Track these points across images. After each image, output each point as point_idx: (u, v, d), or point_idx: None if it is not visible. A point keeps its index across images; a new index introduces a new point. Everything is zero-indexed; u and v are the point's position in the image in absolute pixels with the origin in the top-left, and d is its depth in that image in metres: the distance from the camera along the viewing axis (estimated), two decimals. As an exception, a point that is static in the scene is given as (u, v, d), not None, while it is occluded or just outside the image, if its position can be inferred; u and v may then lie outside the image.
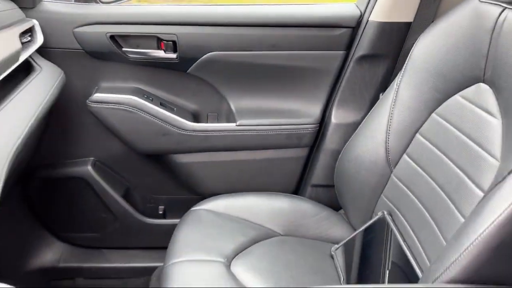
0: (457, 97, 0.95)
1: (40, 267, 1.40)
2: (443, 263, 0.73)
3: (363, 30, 1.23)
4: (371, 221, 1.10)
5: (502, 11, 0.83)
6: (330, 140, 1.34)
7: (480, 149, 0.83)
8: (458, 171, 0.87)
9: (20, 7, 1.16)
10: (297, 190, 1.44)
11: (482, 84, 0.88)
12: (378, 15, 1.20)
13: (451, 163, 0.90)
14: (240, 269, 1.01)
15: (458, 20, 0.95)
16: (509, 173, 0.71)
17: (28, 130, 0.91)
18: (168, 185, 1.45)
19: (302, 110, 1.35)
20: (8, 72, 0.96)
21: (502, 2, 0.84)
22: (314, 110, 1.34)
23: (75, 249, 1.46)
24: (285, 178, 1.41)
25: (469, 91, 0.92)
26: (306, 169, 1.41)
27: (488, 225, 0.67)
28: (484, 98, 0.87)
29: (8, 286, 0.68)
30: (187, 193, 1.43)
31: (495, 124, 0.82)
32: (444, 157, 0.93)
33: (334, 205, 1.30)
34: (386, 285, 0.91)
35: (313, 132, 1.35)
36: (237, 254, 1.06)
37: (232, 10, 1.25)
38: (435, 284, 0.72)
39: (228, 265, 1.01)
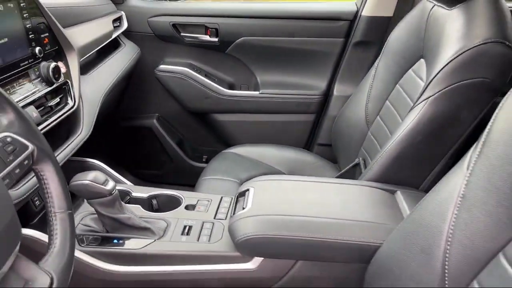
0: (409, 71, 1.29)
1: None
2: (368, 168, 1.10)
3: (357, 22, 1.61)
4: (349, 166, 1.45)
5: (433, 7, 1.18)
6: (332, 108, 1.72)
7: (411, 102, 1.17)
8: (399, 119, 1.22)
9: (113, 2, 1.69)
10: (306, 147, 1.82)
11: (421, 59, 1.23)
12: (367, 10, 1.57)
13: (397, 116, 1.24)
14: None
15: (413, 14, 1.30)
16: (413, 105, 1.05)
17: (113, 83, 1.41)
18: (209, 138, 1.92)
19: (311, 84, 1.74)
20: (103, 45, 1.48)
21: (433, 0, 1.18)
22: (320, 84, 1.74)
23: (141, 182, 1.97)
24: (296, 137, 1.81)
25: (415, 65, 1.26)
26: (313, 130, 1.80)
27: (391, 142, 1.04)
28: (422, 69, 1.21)
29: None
30: (222, 146, 1.88)
31: (422, 85, 1.16)
32: (396, 112, 1.27)
33: (334, 161, 1.67)
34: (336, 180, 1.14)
35: (319, 101, 1.74)
36: (248, 180, 1.48)
37: (259, 6, 1.69)
38: (358, 181, 1.09)
39: (239, 184, 1.44)
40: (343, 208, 0.93)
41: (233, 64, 1.79)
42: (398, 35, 1.36)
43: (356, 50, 1.64)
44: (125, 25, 1.69)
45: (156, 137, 1.88)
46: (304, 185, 1.03)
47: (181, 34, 1.72)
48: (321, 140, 1.77)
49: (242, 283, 0.93)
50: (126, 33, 1.71)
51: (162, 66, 1.75)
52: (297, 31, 1.67)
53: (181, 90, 1.77)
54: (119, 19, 1.67)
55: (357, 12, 1.62)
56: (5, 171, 0.61)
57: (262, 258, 0.91)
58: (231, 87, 1.82)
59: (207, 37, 1.71)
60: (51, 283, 0.62)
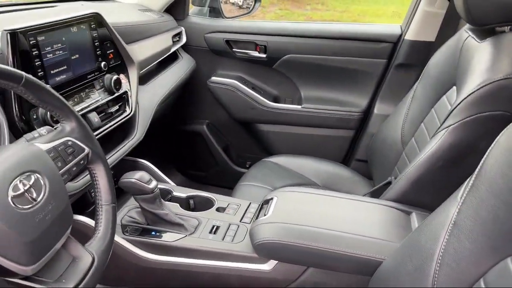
0: (444, 97, 1.33)
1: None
2: (389, 187, 1.16)
3: (400, 45, 1.65)
4: (381, 183, 1.51)
5: (467, 37, 1.21)
6: (372, 126, 1.77)
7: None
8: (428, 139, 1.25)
9: (175, 19, 1.87)
10: (343, 162, 1.89)
11: (454, 87, 1.26)
12: (411, 34, 1.61)
13: (429, 140, 1.28)
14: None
15: (450, 42, 1.33)
16: (437, 130, 1.09)
17: (168, 93, 1.58)
18: (253, 146, 2.05)
19: (352, 101, 1.81)
20: (163, 58, 1.66)
21: (468, 30, 1.22)
22: (361, 102, 1.80)
23: (188, 181, 2.15)
24: (335, 151, 1.88)
25: (449, 92, 1.30)
26: (352, 146, 1.87)
27: (413, 165, 1.09)
28: (453, 96, 1.25)
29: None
30: (264, 154, 2.00)
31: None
32: (428, 136, 1.31)
33: (370, 177, 1.72)
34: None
35: (359, 118, 1.80)
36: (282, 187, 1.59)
37: (305, 26, 1.79)
38: (377, 200, 1.15)
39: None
40: (354, 223, 1.01)
41: (279, 79, 1.90)
42: (436, 60, 1.39)
43: (397, 71, 1.69)
44: (184, 39, 1.86)
45: (205, 142, 2.04)
46: (324, 199, 1.12)
47: (233, 49, 1.86)
48: (358, 155, 1.83)
49: (257, 282, 1.03)
50: (184, 47, 1.89)
51: (214, 78, 1.91)
52: (341, 50, 1.75)
53: (229, 100, 1.91)
54: (179, 34, 1.85)
55: (400, 35, 1.66)
56: (64, 169, 0.77)
57: (277, 262, 1.02)
58: (276, 100, 1.93)
59: (256, 53, 1.84)
60: (93, 262, 0.77)
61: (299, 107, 1.85)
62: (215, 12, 1.95)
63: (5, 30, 0.91)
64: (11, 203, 0.64)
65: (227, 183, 1.98)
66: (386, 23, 1.80)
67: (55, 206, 0.71)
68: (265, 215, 1.06)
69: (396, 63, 1.68)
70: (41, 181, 0.70)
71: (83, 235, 0.86)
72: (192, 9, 1.98)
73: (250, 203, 1.23)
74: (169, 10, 1.85)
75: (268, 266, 1.03)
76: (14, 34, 0.92)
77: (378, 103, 1.77)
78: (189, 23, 1.90)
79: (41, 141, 0.77)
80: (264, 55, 1.83)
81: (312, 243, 0.96)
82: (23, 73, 0.72)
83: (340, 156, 1.89)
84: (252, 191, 1.52)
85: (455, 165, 1.05)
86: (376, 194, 1.45)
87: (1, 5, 1.30)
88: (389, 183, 1.45)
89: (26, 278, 0.69)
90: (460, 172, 1.08)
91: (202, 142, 2.05)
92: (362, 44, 1.72)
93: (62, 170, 0.77)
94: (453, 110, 1.04)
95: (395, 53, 1.68)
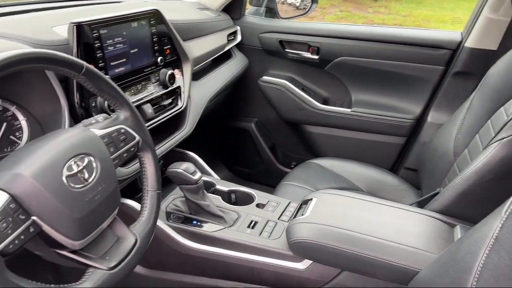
0: (501, 108, 1.26)
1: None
2: (435, 198, 1.13)
3: (459, 52, 1.59)
4: (430, 194, 1.46)
5: None
6: (424, 134, 1.72)
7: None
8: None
9: (231, 18, 1.92)
10: (391, 169, 1.85)
11: (514, 97, 1.20)
12: (471, 41, 1.54)
13: (481, 149, 1.22)
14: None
15: (513, 52, 1.27)
16: (489, 142, 1.05)
17: (220, 89, 1.63)
18: (299, 147, 2.05)
19: (404, 108, 1.76)
20: (217, 55, 1.71)
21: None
22: (414, 109, 1.75)
23: (233, 176, 2.19)
24: (383, 157, 1.84)
25: (507, 103, 1.23)
26: (401, 154, 1.82)
27: (460, 176, 1.06)
28: (511, 108, 1.19)
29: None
30: (310, 156, 2.00)
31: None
32: (482, 149, 1.25)
33: (418, 186, 1.66)
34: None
35: (411, 125, 1.75)
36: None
37: (359, 29, 1.77)
38: (420, 209, 1.12)
39: (315, 193, 1.55)
40: (394, 231, 0.99)
41: (330, 81, 1.89)
42: (497, 70, 1.33)
43: (455, 79, 1.62)
44: (238, 38, 1.91)
45: (252, 140, 2.07)
46: (365, 204, 1.10)
47: (286, 49, 1.88)
48: (408, 164, 1.78)
49: (290, 280, 1.04)
50: (238, 45, 1.93)
51: (265, 77, 1.94)
52: (396, 55, 1.71)
53: (279, 100, 1.93)
54: (234, 33, 1.89)
55: (460, 42, 1.60)
56: (116, 154, 0.83)
57: (311, 262, 1.02)
58: (325, 102, 1.92)
59: (308, 54, 1.85)
60: (135, 243, 0.82)
61: (348, 110, 1.83)
62: (271, 12, 1.98)
63: (72, 23, 0.99)
64: (65, 181, 0.70)
65: (270, 182, 2.00)
66: (448, 29, 1.72)
67: (104, 188, 0.77)
68: (302, 214, 1.07)
69: (454, 70, 1.61)
70: (93, 164, 0.76)
71: (129, 218, 0.92)
72: (249, 9, 2.02)
73: (289, 202, 1.25)
74: (226, 9, 1.90)
75: (302, 265, 1.03)
76: (80, 27, 1.00)
77: (433, 111, 1.71)
78: (244, 22, 1.94)
79: (97, 127, 0.83)
80: (316, 57, 1.83)
81: (348, 247, 0.96)
82: (84, 63, 0.79)
83: (388, 163, 1.85)
84: (293, 191, 1.53)
85: (505, 179, 1.00)
86: (423, 204, 1.40)
87: None
88: (438, 194, 1.41)
89: (73, 251, 0.75)
90: (509, 187, 1.03)
91: (250, 140, 2.09)
92: (419, 50, 1.67)
93: (113, 155, 0.83)
94: (508, 122, 1.00)
95: (454, 60, 1.62)
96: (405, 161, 1.79)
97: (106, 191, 0.77)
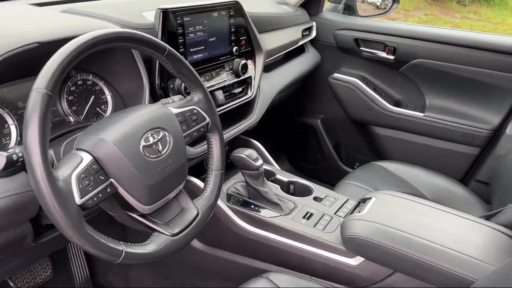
0: None
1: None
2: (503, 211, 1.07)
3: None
4: (499, 210, 1.38)
5: None
6: (500, 147, 1.62)
7: None
8: None
9: (308, 14, 1.93)
10: (461, 180, 1.76)
11: None
12: None
13: None
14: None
15: None
16: None
17: (289, 82, 1.66)
18: (364, 148, 2.02)
19: (482, 117, 1.67)
20: (289, 49, 1.74)
21: None
22: (492, 119, 1.65)
23: (294, 170, 2.21)
24: (453, 167, 1.76)
25: None
26: (474, 165, 1.73)
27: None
28: None
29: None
30: (374, 158, 1.96)
31: None
32: None
33: (488, 201, 1.58)
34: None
35: (487, 136, 1.66)
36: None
37: (440, 31, 1.70)
38: (483, 221, 1.07)
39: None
40: (453, 239, 0.96)
41: (404, 83, 1.84)
42: None
43: (542, 92, 1.51)
44: (313, 34, 1.92)
45: (316, 136, 2.08)
46: (425, 208, 1.08)
47: (361, 48, 1.86)
48: (479, 176, 1.69)
49: (340, 274, 1.05)
50: (312, 41, 1.94)
51: (336, 74, 1.93)
52: (477, 61, 1.62)
53: (348, 98, 1.92)
54: (309, 29, 1.91)
55: (553, 51, 1.48)
56: (187, 132, 0.90)
57: (364, 259, 1.02)
58: (397, 104, 1.88)
59: (384, 54, 1.81)
60: (197, 216, 0.88)
61: (421, 114, 1.77)
62: (350, 10, 1.97)
63: (159, 9, 1.07)
64: (142, 151, 0.78)
65: (330, 180, 1.99)
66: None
67: (174, 161, 0.84)
68: (360, 212, 1.07)
69: (542, 82, 1.50)
70: (167, 138, 0.83)
71: (192, 194, 0.98)
72: (327, 5, 2.03)
73: (348, 199, 1.25)
74: (304, 4, 1.92)
75: (354, 261, 1.04)
76: (165, 13, 1.08)
77: (512, 123, 1.60)
78: (321, 18, 1.95)
79: (173, 106, 0.90)
80: (392, 57, 1.79)
81: (404, 248, 0.95)
82: (167, 46, 0.86)
83: (458, 173, 1.76)
84: (353, 190, 1.52)
85: None
86: (490, 219, 1.34)
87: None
88: (507, 208, 1.33)
89: (142, 215, 0.82)
90: None
91: (314, 136, 2.09)
92: (503, 57, 1.57)
93: (185, 133, 0.89)
94: None
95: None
96: (477, 173, 1.70)
97: (176, 164, 0.84)
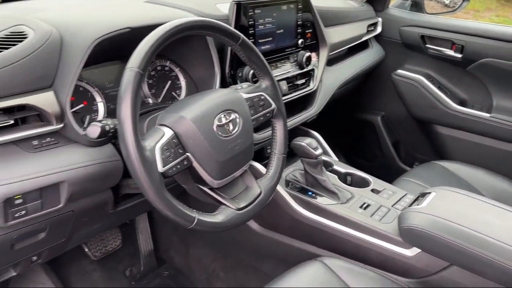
0: None
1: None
2: None
3: None
4: None
5: None
6: None
7: None
8: None
9: (374, 9, 1.93)
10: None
11: None
12: None
13: None
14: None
15: None
16: None
17: (351, 77, 1.68)
18: (425, 147, 1.99)
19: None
20: (353, 44, 1.75)
21: None
22: None
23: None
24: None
25: None
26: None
27: None
28: None
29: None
30: (435, 157, 1.92)
31: None
32: None
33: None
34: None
35: (561, 141, 1.58)
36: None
37: (509, 30, 1.63)
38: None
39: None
40: (514, 237, 0.95)
41: (470, 82, 1.79)
42: None
43: None
44: (378, 30, 1.92)
45: (376, 133, 2.07)
46: (485, 206, 1.06)
47: (427, 45, 1.83)
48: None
49: (395, 264, 1.07)
50: (377, 37, 1.94)
51: (400, 71, 1.92)
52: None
53: (411, 96, 1.90)
54: (374, 24, 1.91)
55: None
56: (254, 116, 0.96)
57: (420, 250, 1.03)
58: (462, 103, 1.83)
59: (451, 52, 1.77)
60: (260, 194, 0.94)
61: (487, 115, 1.72)
62: (417, 7, 1.94)
63: (234, 1, 1.14)
64: (215, 129, 0.85)
65: (387, 178, 1.97)
66: None
67: (242, 141, 0.90)
68: (418, 205, 1.08)
69: None
70: (237, 120, 0.89)
71: (254, 177, 1.04)
72: (394, 2, 2.01)
73: (406, 194, 1.26)
74: (370, 0, 1.92)
75: (410, 252, 1.05)
76: (239, 5, 1.15)
77: None
78: (387, 14, 1.94)
79: (242, 92, 0.97)
80: (459, 55, 1.75)
81: (463, 242, 0.95)
82: (241, 34, 0.92)
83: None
84: (411, 187, 1.51)
85: None
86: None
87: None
88: None
89: (212, 189, 0.90)
90: None
91: (373, 133, 2.09)
92: None
93: (252, 117, 0.96)
94: None
95: None
96: (545, 179, 1.62)
97: (243, 145, 0.90)
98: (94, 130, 0.82)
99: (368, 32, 1.86)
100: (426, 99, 1.84)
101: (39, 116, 0.83)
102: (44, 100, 0.81)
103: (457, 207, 1.06)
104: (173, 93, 1.17)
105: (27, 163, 0.80)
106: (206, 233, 1.55)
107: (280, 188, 1.23)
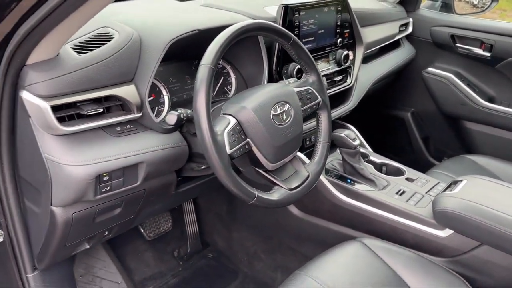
0: None
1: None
2: None
3: None
4: None
5: None
6: None
7: None
8: None
9: (406, 10, 2.02)
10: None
11: None
12: None
13: None
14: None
15: None
16: None
17: (384, 74, 1.78)
18: (454, 142, 2.06)
19: None
20: (386, 43, 1.85)
21: None
22: None
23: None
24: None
25: None
26: None
27: None
28: None
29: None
30: (464, 152, 1.99)
31: None
32: None
33: None
34: None
35: None
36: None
37: None
38: None
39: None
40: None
41: (499, 80, 1.86)
42: None
43: None
44: (409, 30, 2.01)
45: (406, 128, 2.16)
46: (515, 192, 1.15)
47: (456, 44, 1.91)
48: None
49: (429, 244, 1.17)
50: (408, 36, 2.03)
51: (430, 69, 2.00)
52: None
53: (441, 93, 1.98)
54: (406, 25, 2.00)
55: None
56: (303, 108, 1.07)
57: (452, 232, 1.13)
58: (490, 100, 1.90)
59: (480, 51, 1.85)
60: (307, 177, 1.06)
61: (513, 110, 1.79)
62: (447, 7, 2.02)
63: (282, 4, 1.26)
64: (272, 118, 0.97)
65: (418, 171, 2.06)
66: None
67: (293, 130, 1.02)
68: (451, 191, 1.18)
69: None
70: (290, 110, 1.01)
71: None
72: (424, 3, 2.09)
73: (438, 182, 1.35)
74: (402, 1, 2.01)
75: (443, 233, 1.15)
76: (287, 8, 1.26)
77: None
78: (418, 15, 2.02)
79: (292, 86, 1.08)
80: (488, 54, 1.82)
81: (493, 223, 1.04)
82: (292, 35, 1.04)
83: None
84: (442, 178, 1.58)
85: None
86: None
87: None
88: None
89: (267, 171, 1.01)
90: None
91: (403, 128, 2.17)
92: None
93: (302, 108, 1.07)
94: None
95: None
96: None
97: (295, 133, 1.02)
98: (172, 118, 0.95)
99: (400, 31, 1.95)
100: (455, 96, 1.92)
101: (121, 106, 0.97)
102: (127, 92, 0.95)
103: (487, 193, 1.15)
104: (225, 88, 1.30)
105: (113, 146, 0.93)
106: (248, 218, 1.67)
107: (321, 176, 1.34)
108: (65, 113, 0.87)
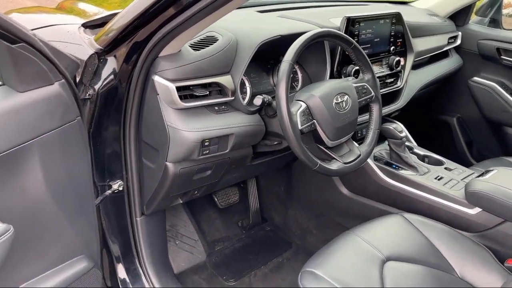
0: None
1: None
2: None
3: None
4: None
5: None
6: None
7: None
8: None
9: (456, 24, 2.23)
10: None
11: None
12: None
13: None
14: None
15: None
16: None
17: (431, 80, 2.00)
18: (496, 147, 2.23)
19: None
20: (435, 53, 2.06)
21: None
22: None
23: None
24: None
25: None
26: None
27: None
28: None
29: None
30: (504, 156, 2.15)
31: None
32: None
33: None
34: None
35: None
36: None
37: None
38: None
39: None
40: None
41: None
42: None
43: None
44: (458, 42, 2.21)
45: (450, 132, 2.35)
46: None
47: (502, 56, 2.09)
48: None
49: (460, 220, 1.38)
50: (456, 48, 2.23)
51: (476, 78, 2.19)
52: None
53: (485, 100, 2.16)
54: (455, 37, 2.20)
55: None
56: (358, 100, 1.33)
57: (481, 210, 1.34)
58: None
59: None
60: (359, 155, 1.32)
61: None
62: (494, 23, 2.20)
63: (346, 16, 1.54)
64: (334, 105, 1.24)
65: None
66: None
67: (350, 116, 1.29)
68: (482, 177, 1.39)
69: None
70: (348, 100, 1.28)
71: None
72: (473, 18, 2.28)
73: (473, 172, 1.56)
74: (452, 16, 2.21)
75: (473, 211, 1.36)
76: (348, 19, 1.54)
77: None
78: (466, 29, 2.22)
79: (351, 82, 1.35)
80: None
81: (515, 203, 1.25)
82: (353, 40, 1.31)
83: None
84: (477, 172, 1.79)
85: None
86: None
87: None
88: None
89: (327, 148, 1.29)
90: None
91: (448, 132, 2.36)
92: None
93: (358, 100, 1.34)
94: None
95: None
96: None
97: (351, 118, 1.29)
98: (258, 100, 1.25)
99: (449, 43, 2.15)
100: (498, 103, 2.10)
101: (219, 91, 1.28)
102: (225, 80, 1.26)
103: (515, 180, 1.35)
104: (293, 83, 1.58)
105: (212, 120, 1.24)
106: (303, 197, 1.93)
107: (370, 161, 1.59)
108: (183, 93, 1.19)
